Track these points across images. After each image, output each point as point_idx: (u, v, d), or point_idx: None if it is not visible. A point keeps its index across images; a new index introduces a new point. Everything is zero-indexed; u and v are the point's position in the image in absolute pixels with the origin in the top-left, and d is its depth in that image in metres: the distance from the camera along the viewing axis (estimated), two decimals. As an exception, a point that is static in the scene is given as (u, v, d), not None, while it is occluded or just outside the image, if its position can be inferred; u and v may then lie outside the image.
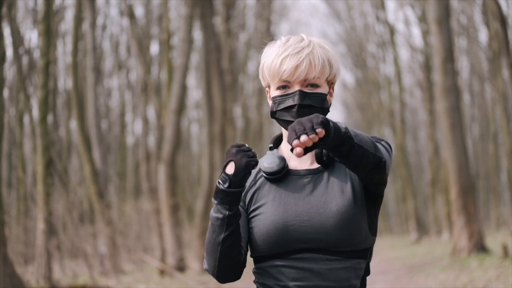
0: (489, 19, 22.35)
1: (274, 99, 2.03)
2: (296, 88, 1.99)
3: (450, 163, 14.44)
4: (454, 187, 14.14)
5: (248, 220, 2.02)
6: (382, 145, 1.99)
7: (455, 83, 14.80)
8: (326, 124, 1.74)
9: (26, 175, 23.02)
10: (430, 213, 32.21)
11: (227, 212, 1.94)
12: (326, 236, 1.93)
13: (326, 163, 2.01)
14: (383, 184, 2.00)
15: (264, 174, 2.04)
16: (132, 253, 18.87)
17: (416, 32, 71.48)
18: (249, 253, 2.07)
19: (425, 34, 26.25)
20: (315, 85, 2.01)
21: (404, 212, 34.74)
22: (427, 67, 26.12)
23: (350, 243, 1.94)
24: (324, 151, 2.00)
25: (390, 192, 40.74)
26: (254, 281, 2.07)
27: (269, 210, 1.98)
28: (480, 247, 13.75)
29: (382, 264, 16.20)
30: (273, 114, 2.04)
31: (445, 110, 14.40)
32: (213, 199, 1.97)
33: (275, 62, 2.00)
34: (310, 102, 1.99)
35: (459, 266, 12.44)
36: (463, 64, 31.67)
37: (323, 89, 2.03)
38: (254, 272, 2.04)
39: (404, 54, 58.30)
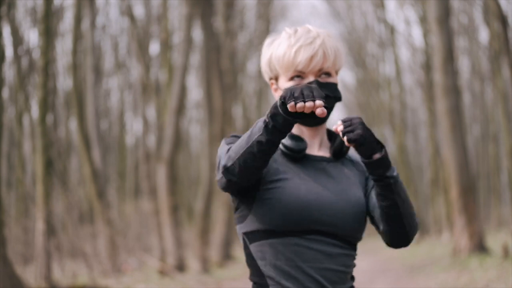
0: (489, 18, 22.32)
1: None
2: (311, 78, 2.00)
3: (450, 163, 14.42)
4: (455, 187, 14.12)
5: (264, 190, 1.94)
6: None
7: (455, 83, 14.78)
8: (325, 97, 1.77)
9: (25, 175, 23.00)
10: (430, 213, 32.20)
11: (278, 140, 1.81)
12: (342, 222, 1.94)
13: (339, 156, 2.05)
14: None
15: (285, 150, 2.01)
16: (132, 253, 18.84)
17: (416, 32, 71.51)
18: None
19: (425, 34, 26.23)
20: (329, 74, 2.03)
21: (404, 212, 34.64)
22: (427, 67, 26.09)
23: (357, 234, 1.99)
24: (344, 147, 2.04)
25: (390, 192, 40.65)
26: (250, 265, 2.00)
27: (290, 186, 1.95)
28: (480, 247, 13.73)
29: (382, 264, 16.18)
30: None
31: (445, 110, 14.38)
32: (266, 117, 1.80)
33: (289, 53, 2.00)
34: (326, 91, 2.00)
35: (459, 266, 12.42)
36: (463, 64, 31.65)
37: (335, 79, 2.06)
38: (257, 251, 1.96)
39: (404, 54, 58.35)
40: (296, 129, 2.07)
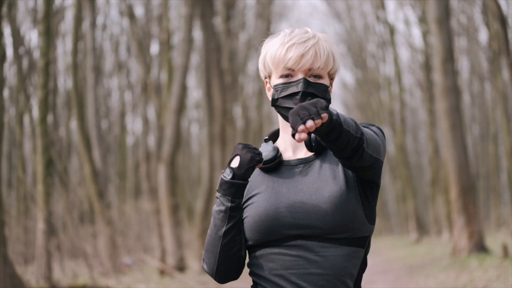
0: (489, 19, 22.33)
1: (276, 86, 2.03)
2: (300, 76, 1.99)
3: (450, 163, 14.43)
4: (454, 187, 14.13)
5: (244, 210, 2.02)
6: (372, 130, 1.97)
7: (455, 83, 14.80)
8: (327, 108, 1.73)
9: (26, 175, 23.02)
10: (430, 213, 32.20)
11: (229, 204, 1.96)
12: (319, 222, 1.91)
13: (317, 150, 2.01)
14: (368, 165, 1.93)
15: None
16: (132, 253, 18.86)
17: (416, 32, 71.50)
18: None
19: (425, 34, 26.25)
20: (319, 76, 2.01)
21: (404, 212, 34.73)
22: (427, 67, 26.11)
23: (345, 229, 1.92)
24: (312, 138, 2.00)
25: (390, 192, 40.76)
26: (250, 274, 2.05)
27: (261, 199, 1.98)
28: (480, 247, 13.74)
29: (382, 264, 16.19)
30: (274, 102, 2.03)
31: (445, 110, 14.39)
32: (216, 193, 1.99)
33: (280, 50, 2.00)
34: (314, 91, 1.98)
35: (459, 266, 12.44)
36: (463, 64, 31.66)
37: (325, 81, 2.03)
38: (249, 264, 2.03)
39: (404, 54, 58.38)
40: (284, 129, 2.07)
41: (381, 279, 12.25)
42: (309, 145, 2.01)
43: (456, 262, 13.01)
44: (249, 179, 2.04)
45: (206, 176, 17.89)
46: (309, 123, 1.68)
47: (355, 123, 1.85)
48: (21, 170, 21.95)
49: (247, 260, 2.06)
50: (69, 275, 15.26)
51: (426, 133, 31.43)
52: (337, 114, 1.79)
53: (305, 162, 2.03)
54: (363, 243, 1.98)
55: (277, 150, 2.03)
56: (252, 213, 1.98)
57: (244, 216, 2.00)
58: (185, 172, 32.77)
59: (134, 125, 32.15)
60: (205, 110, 18.88)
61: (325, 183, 1.96)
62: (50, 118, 18.07)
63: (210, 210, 18.06)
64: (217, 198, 1.99)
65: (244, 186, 1.97)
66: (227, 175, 1.96)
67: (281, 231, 1.94)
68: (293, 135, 1.71)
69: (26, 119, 22.79)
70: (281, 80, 2.01)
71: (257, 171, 2.07)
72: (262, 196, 1.99)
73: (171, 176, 16.23)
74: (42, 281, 12.38)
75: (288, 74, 2.00)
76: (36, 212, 13.81)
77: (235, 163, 1.97)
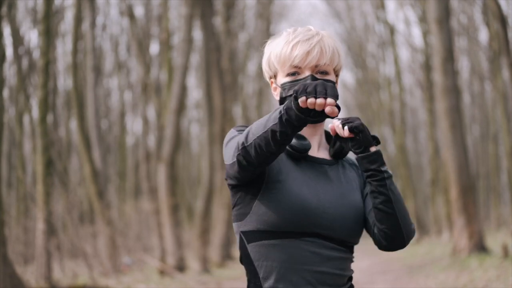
0: (489, 19, 22.33)
1: (283, 85, 2.02)
2: (307, 73, 1.99)
3: (450, 163, 14.43)
4: (454, 187, 14.13)
5: (266, 190, 1.94)
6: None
7: (455, 83, 14.79)
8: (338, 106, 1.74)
9: (26, 175, 23.01)
10: (430, 213, 32.20)
11: (290, 132, 1.80)
12: (340, 227, 1.96)
13: (340, 156, 2.06)
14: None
15: (289, 149, 1.99)
16: (132, 253, 18.86)
17: (416, 32, 71.50)
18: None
19: (425, 34, 26.24)
20: (325, 72, 2.01)
21: (404, 212, 34.65)
22: (427, 67, 26.10)
23: (356, 238, 2.00)
24: (345, 149, 2.04)
25: (390, 192, 40.65)
26: (244, 261, 2.01)
27: (292, 187, 1.94)
28: (480, 247, 13.73)
29: (382, 264, 16.19)
30: (283, 101, 2.01)
31: (445, 110, 14.39)
32: (283, 109, 1.78)
33: (286, 49, 2.00)
34: None
35: (459, 266, 12.43)
36: (463, 64, 31.67)
37: (332, 77, 2.03)
38: (254, 251, 1.96)
39: (404, 54, 58.35)
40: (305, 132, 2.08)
41: (381, 279, 12.25)
42: (338, 152, 2.05)
43: (456, 262, 13.01)
44: (279, 159, 1.97)
45: (206, 176, 17.88)
46: (330, 100, 1.71)
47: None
48: (21, 170, 21.94)
49: (249, 249, 1.98)
50: (69, 275, 15.25)
51: (426, 133, 31.42)
52: (386, 170, 1.96)
53: (329, 164, 2.05)
54: (353, 250, 2.07)
55: (308, 141, 2.00)
56: (282, 198, 1.91)
57: (269, 197, 1.92)
58: (185, 172, 32.76)
59: (134, 125, 32.17)
60: (205, 110, 18.88)
61: (348, 190, 2.02)
62: (50, 118, 18.06)
63: (210, 210, 18.08)
64: (281, 118, 1.77)
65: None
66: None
67: (307, 226, 1.93)
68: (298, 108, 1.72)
69: (26, 119, 22.79)
70: (288, 79, 2.01)
71: (283, 154, 2.00)
72: (293, 185, 1.94)
73: (171, 176, 16.23)
74: (42, 281, 12.38)
75: (295, 72, 2.00)
76: (36, 212, 13.80)
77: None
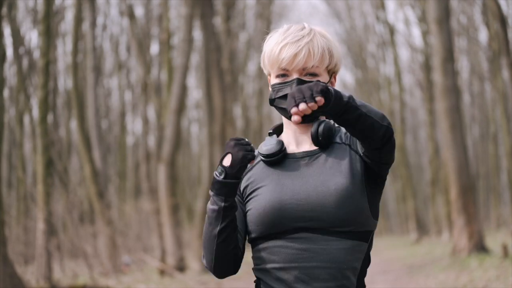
0: (489, 19, 22.34)
1: (273, 86, 2.04)
2: (294, 76, 1.99)
3: (450, 163, 14.43)
4: (454, 187, 14.13)
5: (245, 204, 2.02)
6: None
7: (455, 83, 14.80)
8: (325, 92, 1.75)
9: (26, 175, 23.02)
10: (430, 213, 32.21)
11: (222, 204, 1.94)
12: (324, 214, 1.91)
13: (323, 144, 2.01)
14: (392, 161, 2.00)
15: (262, 158, 2.04)
16: (132, 253, 18.86)
17: (416, 32, 71.48)
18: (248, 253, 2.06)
19: (425, 34, 26.26)
20: (314, 74, 2.00)
21: (404, 212, 34.75)
22: (427, 67, 26.11)
23: (349, 223, 1.92)
24: (319, 131, 2.00)
25: (390, 192, 40.76)
26: (253, 269, 2.05)
27: (265, 191, 1.98)
28: (480, 247, 13.74)
29: (382, 264, 16.19)
30: (272, 102, 2.05)
31: (445, 110, 14.39)
32: (209, 191, 1.98)
33: (275, 50, 2.00)
34: None
35: (459, 266, 12.44)
36: (463, 64, 31.69)
37: (323, 78, 2.02)
38: (253, 257, 2.02)
39: (404, 54, 58.35)
40: (287, 124, 2.08)
41: (381, 279, 12.25)
42: (315, 139, 2.01)
43: (456, 262, 13.01)
44: (254, 173, 2.05)
45: (206, 176, 17.88)
46: (302, 106, 1.72)
47: (381, 113, 1.89)
48: (21, 170, 21.95)
49: (251, 254, 2.05)
50: (69, 275, 15.26)
51: (426, 133, 31.44)
52: (350, 97, 1.82)
53: (310, 155, 2.02)
54: (367, 237, 1.98)
55: (281, 143, 2.03)
56: (256, 205, 1.98)
57: (247, 208, 2.01)
58: (185, 172, 32.78)
59: (134, 125, 32.19)
60: (205, 110, 18.88)
61: (331, 175, 1.96)
62: (50, 118, 18.08)
63: (210, 210, 18.07)
64: (211, 196, 1.98)
65: (237, 185, 1.95)
66: (219, 174, 1.94)
67: (286, 223, 1.94)
68: (289, 117, 1.75)
69: (26, 119, 22.80)
70: (277, 80, 2.02)
71: (261, 164, 2.06)
72: (266, 189, 1.99)
73: (171, 176, 16.23)
74: (42, 281, 12.38)
75: (284, 74, 2.01)
76: (36, 212, 13.81)
77: (227, 161, 1.94)
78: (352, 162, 1.98)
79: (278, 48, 1.99)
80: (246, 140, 1.97)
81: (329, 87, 1.78)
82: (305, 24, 2.05)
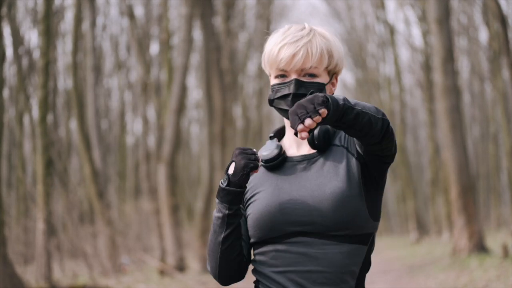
0: (489, 19, 22.33)
1: (272, 87, 2.04)
2: (293, 77, 1.99)
3: (450, 163, 14.43)
4: (454, 187, 14.13)
5: (246, 209, 2.04)
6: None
7: (455, 83, 14.79)
8: (326, 102, 1.74)
9: (26, 175, 23.02)
10: (430, 213, 32.20)
11: (226, 211, 1.96)
12: (321, 218, 1.91)
13: (320, 147, 2.01)
14: (395, 150, 2.00)
15: (261, 162, 2.05)
16: (132, 253, 18.86)
17: (416, 32, 71.48)
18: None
19: (425, 34, 26.25)
20: (313, 75, 2.00)
21: (404, 212, 34.73)
22: (427, 67, 26.10)
23: (346, 226, 1.91)
24: (315, 135, 2.00)
25: (390, 192, 40.74)
26: (252, 271, 2.06)
27: (263, 196, 1.99)
28: (480, 247, 13.74)
29: (382, 264, 16.19)
30: (271, 102, 2.05)
31: (445, 110, 14.39)
32: (216, 198, 2.01)
33: (273, 51, 2.01)
34: (306, 91, 1.97)
35: (459, 266, 12.44)
36: (463, 64, 31.66)
37: (322, 79, 2.02)
38: (253, 261, 2.04)
39: (404, 54, 58.37)
40: (288, 126, 2.08)
41: (381, 279, 12.25)
42: (312, 143, 2.01)
43: (456, 262, 13.01)
44: (254, 178, 2.06)
45: (206, 176, 17.87)
46: (307, 121, 1.71)
47: (375, 107, 1.87)
48: (21, 170, 21.95)
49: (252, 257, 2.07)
50: (69, 275, 15.26)
51: (426, 133, 31.43)
52: (345, 99, 1.80)
53: (308, 158, 2.02)
54: (366, 241, 1.97)
55: (280, 148, 2.04)
56: (254, 210, 1.99)
57: (247, 213, 2.02)
58: (185, 172, 32.77)
59: (134, 125, 32.17)
60: (205, 110, 18.87)
61: (327, 179, 1.95)
62: (50, 118, 18.07)
63: (210, 210, 18.08)
64: (216, 204, 2.01)
65: (241, 193, 1.96)
66: (223, 181, 1.97)
67: (283, 227, 1.94)
68: (296, 134, 1.75)
69: (26, 119, 22.79)
70: (276, 81, 2.03)
71: (261, 169, 2.07)
72: (264, 193, 2.00)
73: (171, 176, 16.23)
74: (42, 281, 12.38)
75: (282, 75, 2.01)
76: (36, 212, 13.80)
77: (231, 169, 1.96)
78: (348, 165, 1.97)
79: (277, 49, 1.99)
80: (253, 149, 1.97)
81: (327, 96, 1.76)
82: (306, 25, 2.04)
